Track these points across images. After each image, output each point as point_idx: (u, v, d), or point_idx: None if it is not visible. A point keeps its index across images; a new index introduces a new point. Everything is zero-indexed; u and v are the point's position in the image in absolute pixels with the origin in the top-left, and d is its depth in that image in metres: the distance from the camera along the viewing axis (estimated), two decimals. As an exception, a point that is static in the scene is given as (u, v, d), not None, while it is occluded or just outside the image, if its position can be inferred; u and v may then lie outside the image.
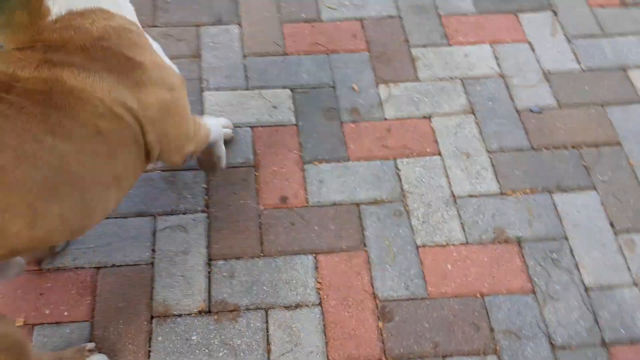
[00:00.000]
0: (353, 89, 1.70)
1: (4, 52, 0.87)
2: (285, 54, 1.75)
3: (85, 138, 0.88)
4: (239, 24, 1.81)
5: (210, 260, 1.39)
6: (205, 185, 1.50)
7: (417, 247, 1.43)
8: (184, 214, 1.45)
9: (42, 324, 1.28)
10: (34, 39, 0.87)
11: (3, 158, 0.79)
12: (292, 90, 1.68)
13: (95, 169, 0.91)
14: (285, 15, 1.84)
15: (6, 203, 0.81)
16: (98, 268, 1.36)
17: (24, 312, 1.29)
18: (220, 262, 1.39)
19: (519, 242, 1.44)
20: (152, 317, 1.31)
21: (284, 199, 1.49)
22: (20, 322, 1.27)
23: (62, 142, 0.85)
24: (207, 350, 1.27)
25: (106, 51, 0.90)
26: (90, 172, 0.90)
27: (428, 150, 1.60)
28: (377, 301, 1.35)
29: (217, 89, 1.67)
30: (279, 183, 1.51)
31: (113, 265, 1.37)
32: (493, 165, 1.57)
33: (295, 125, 1.62)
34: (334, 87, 1.70)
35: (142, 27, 1.02)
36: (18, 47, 0.87)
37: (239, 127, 1.60)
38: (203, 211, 1.46)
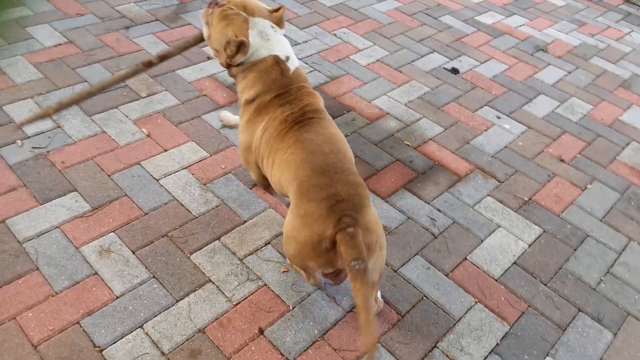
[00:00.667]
0: None
1: (284, 98, 1.69)
2: (640, 386, 1.82)
3: (335, 131, 1.69)
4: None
5: None
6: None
7: None
8: None
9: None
10: (288, 85, 1.69)
11: (332, 139, 1.64)
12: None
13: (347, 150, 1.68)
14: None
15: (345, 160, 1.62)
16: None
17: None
18: None
19: None
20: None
21: None
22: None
23: (332, 131, 1.68)
24: None
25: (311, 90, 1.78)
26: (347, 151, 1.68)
27: None
28: None
29: (559, 363, 1.88)
30: None
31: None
32: None
33: None
34: None
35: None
36: (279, 94, 1.68)
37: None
38: None
